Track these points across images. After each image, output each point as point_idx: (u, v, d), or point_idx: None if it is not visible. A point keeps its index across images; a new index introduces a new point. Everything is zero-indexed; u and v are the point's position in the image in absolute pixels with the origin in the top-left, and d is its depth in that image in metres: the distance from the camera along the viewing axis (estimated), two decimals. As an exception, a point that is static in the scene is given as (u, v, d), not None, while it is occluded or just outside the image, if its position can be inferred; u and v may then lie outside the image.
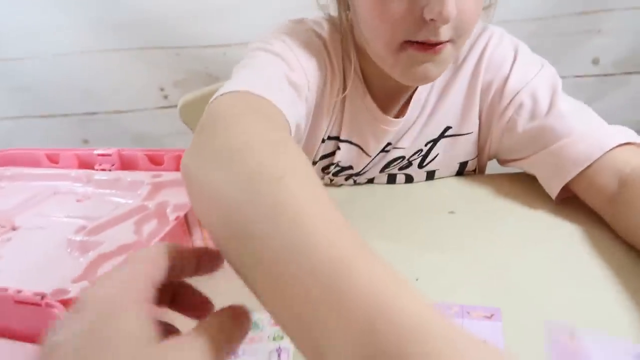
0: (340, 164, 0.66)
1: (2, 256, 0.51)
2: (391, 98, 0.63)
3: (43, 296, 0.37)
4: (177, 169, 0.62)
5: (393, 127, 0.63)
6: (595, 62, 1.17)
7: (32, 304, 0.37)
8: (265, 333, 0.42)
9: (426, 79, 0.54)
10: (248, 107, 0.42)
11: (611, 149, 0.52)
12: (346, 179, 0.67)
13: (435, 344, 0.21)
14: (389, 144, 0.64)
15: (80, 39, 1.19)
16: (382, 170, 0.67)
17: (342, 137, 0.64)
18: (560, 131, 0.56)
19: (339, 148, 0.64)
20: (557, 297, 0.43)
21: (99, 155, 0.65)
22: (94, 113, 1.22)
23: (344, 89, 0.60)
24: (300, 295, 0.24)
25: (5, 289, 0.39)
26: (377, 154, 0.65)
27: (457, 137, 0.65)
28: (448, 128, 0.64)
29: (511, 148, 0.62)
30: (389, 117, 0.62)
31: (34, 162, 0.68)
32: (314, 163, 0.66)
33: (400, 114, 0.63)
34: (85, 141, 1.26)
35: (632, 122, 1.28)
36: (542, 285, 0.45)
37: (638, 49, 1.15)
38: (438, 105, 0.63)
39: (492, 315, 0.42)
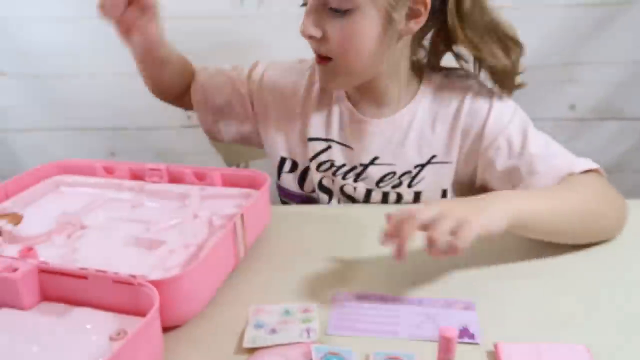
0: (335, 163, 0.80)
1: (78, 249, 0.63)
2: (360, 99, 0.79)
3: (135, 277, 0.49)
4: (220, 184, 0.74)
5: (370, 127, 0.78)
6: (572, 107, 1.32)
7: (127, 283, 0.49)
8: (296, 317, 0.55)
9: (322, 83, 0.77)
10: None
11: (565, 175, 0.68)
12: (344, 178, 0.80)
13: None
14: (376, 157, 0.78)
15: (114, 61, 1.32)
16: (377, 184, 0.80)
17: (331, 137, 0.79)
18: (529, 170, 0.70)
19: (330, 147, 0.80)
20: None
21: (150, 169, 0.77)
22: (122, 128, 1.35)
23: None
24: None
25: (105, 271, 0.51)
26: (369, 164, 0.79)
27: (441, 164, 0.78)
28: (434, 156, 0.78)
29: (492, 183, 0.76)
30: (363, 116, 0.78)
31: (91, 172, 0.80)
32: (311, 160, 0.81)
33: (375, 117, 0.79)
34: (112, 154, 1.38)
35: (605, 163, 1.44)
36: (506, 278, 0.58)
37: (610, 98, 1.30)
38: (423, 136, 0.77)
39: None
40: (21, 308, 0.51)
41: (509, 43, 0.71)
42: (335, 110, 0.80)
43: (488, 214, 0.55)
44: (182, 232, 0.63)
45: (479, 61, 0.74)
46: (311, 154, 0.81)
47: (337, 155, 0.80)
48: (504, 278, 0.62)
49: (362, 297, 0.58)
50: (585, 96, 1.31)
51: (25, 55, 1.34)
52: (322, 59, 0.70)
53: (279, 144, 0.84)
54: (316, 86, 0.81)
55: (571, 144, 1.40)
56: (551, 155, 0.71)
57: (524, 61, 1.28)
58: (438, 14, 0.68)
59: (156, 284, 0.49)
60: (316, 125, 0.81)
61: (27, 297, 0.51)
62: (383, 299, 0.58)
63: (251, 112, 0.86)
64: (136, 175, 0.78)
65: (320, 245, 0.69)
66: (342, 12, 0.65)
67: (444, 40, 0.74)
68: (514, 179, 0.72)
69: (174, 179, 0.76)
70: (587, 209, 0.64)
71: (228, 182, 0.74)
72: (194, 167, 0.76)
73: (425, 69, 0.79)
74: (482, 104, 0.75)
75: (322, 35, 0.67)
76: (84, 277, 0.51)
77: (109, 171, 0.80)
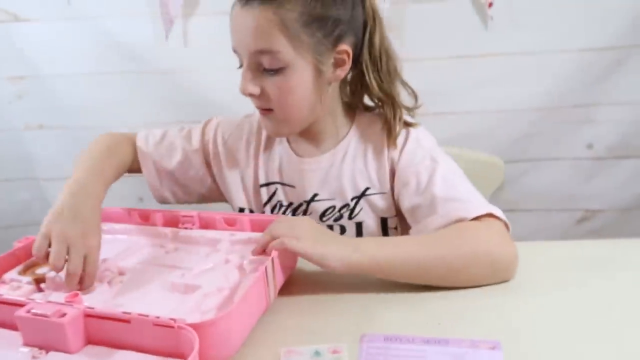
0: (282, 203, 0.85)
1: (118, 294, 0.66)
2: (299, 140, 0.84)
3: (175, 320, 0.52)
4: (249, 230, 0.78)
5: (307, 166, 0.83)
6: (590, 147, 1.34)
7: (168, 326, 0.52)
8: (327, 358, 0.57)
9: (268, 132, 0.84)
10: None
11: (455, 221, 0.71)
12: (293, 215, 0.85)
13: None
14: (316, 194, 0.83)
15: (142, 114, 1.40)
16: (321, 219, 0.84)
17: (275, 180, 0.85)
18: (428, 211, 0.74)
19: (276, 189, 0.85)
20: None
21: (183, 216, 0.81)
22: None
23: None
24: None
25: (146, 315, 0.54)
26: (310, 200, 0.83)
27: (376, 195, 0.82)
28: (368, 188, 0.82)
29: (404, 214, 0.79)
30: (300, 156, 0.83)
31: (127, 219, 0.85)
32: (264, 205, 0.86)
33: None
34: (141, 199, 1.43)
35: (622, 202, 1.43)
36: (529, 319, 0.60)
37: (627, 137, 1.32)
38: (356, 170, 0.82)
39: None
40: (68, 352, 0.54)
41: (407, 89, 0.80)
42: (277, 153, 0.85)
43: (325, 251, 0.66)
44: (215, 277, 0.66)
45: (383, 101, 0.79)
46: (264, 200, 0.86)
47: (282, 196, 0.85)
48: (530, 318, 0.63)
49: (389, 338, 0.60)
50: (602, 136, 1.33)
51: (61, 110, 1.42)
52: (264, 109, 0.76)
53: (235, 196, 0.88)
54: (264, 136, 0.87)
55: (589, 183, 1.42)
56: (452, 199, 0.73)
57: (542, 103, 1.33)
58: (357, 60, 0.77)
59: (194, 326, 0.51)
60: (264, 171, 0.86)
61: (74, 341, 0.54)
62: (410, 339, 0.60)
63: (206, 169, 0.89)
64: (169, 222, 0.82)
65: (346, 286, 0.71)
66: (275, 71, 0.71)
67: (360, 82, 0.80)
68: (416, 215, 0.76)
69: (206, 225, 0.80)
70: (449, 258, 0.67)
71: (257, 227, 0.77)
72: (224, 213, 0.80)
73: (357, 108, 0.85)
74: (400, 138, 0.80)
75: (261, 91, 0.73)
76: (127, 321, 0.54)
77: (143, 218, 0.84)
